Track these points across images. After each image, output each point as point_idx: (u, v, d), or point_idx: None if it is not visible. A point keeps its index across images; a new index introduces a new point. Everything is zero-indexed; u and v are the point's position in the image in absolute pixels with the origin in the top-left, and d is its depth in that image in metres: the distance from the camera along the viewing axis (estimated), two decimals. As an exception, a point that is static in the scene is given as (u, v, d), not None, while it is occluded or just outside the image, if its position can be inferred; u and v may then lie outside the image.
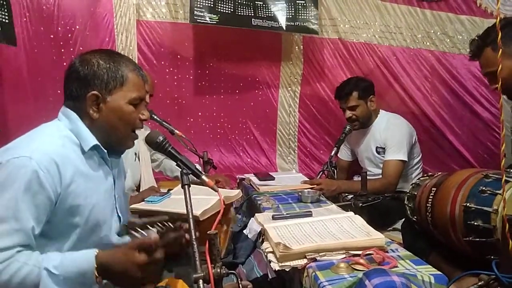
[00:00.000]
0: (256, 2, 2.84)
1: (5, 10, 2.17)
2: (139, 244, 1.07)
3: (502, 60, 1.64)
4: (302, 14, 2.91)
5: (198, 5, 2.71)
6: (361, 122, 2.63)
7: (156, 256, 1.07)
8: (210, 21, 2.74)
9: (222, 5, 2.76)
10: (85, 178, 1.18)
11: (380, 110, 2.71)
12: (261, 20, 2.84)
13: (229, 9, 2.78)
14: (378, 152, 2.64)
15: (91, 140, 1.21)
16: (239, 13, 2.81)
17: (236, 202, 2.25)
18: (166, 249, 1.13)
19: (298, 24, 2.91)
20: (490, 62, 1.74)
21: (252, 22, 2.83)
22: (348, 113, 2.61)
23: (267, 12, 2.86)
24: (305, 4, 2.92)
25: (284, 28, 2.90)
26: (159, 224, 1.20)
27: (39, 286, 1.01)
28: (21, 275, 1.01)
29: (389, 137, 2.56)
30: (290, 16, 2.90)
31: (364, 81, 2.69)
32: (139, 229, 1.14)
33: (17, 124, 2.52)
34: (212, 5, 2.73)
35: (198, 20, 2.72)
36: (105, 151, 1.25)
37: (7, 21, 2.17)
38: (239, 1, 2.80)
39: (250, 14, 2.82)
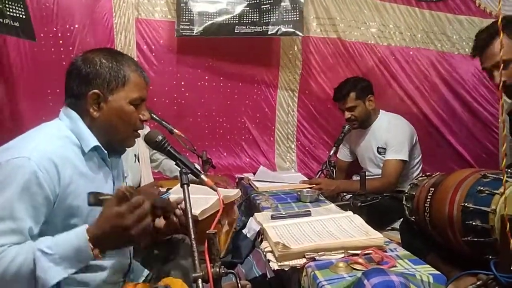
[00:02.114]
0: (243, 9, 2.83)
1: (21, 6, 2.17)
2: (115, 198, 1.04)
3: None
4: (287, 17, 2.87)
5: (184, 19, 2.76)
6: (360, 122, 2.64)
7: (135, 200, 1.03)
8: (195, 33, 2.78)
9: (206, 17, 2.78)
10: (85, 179, 1.18)
11: (380, 110, 2.71)
12: (245, 27, 2.84)
13: (213, 19, 2.80)
14: (379, 152, 2.64)
15: (92, 141, 1.21)
16: (223, 22, 2.81)
17: (235, 201, 2.26)
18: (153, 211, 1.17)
19: (281, 27, 2.87)
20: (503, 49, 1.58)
21: (235, 29, 2.83)
22: (347, 114, 2.62)
23: (252, 18, 2.85)
24: (289, 7, 2.87)
25: (268, 32, 2.87)
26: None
27: (36, 270, 0.99)
28: (16, 265, 0.99)
29: (391, 137, 2.56)
30: (274, 20, 2.86)
31: (361, 81, 2.69)
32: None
33: (16, 123, 2.52)
34: (196, 17, 2.77)
35: (183, 34, 2.78)
36: (106, 152, 1.25)
37: (24, 16, 2.18)
38: (224, 10, 2.80)
39: (234, 22, 2.82)
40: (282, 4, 2.85)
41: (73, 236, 1.04)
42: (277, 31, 2.87)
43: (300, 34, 2.91)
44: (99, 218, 1.05)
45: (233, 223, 1.98)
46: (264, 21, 2.85)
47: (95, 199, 1.02)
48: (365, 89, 2.63)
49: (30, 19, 2.26)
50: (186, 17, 2.77)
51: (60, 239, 1.04)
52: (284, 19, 2.86)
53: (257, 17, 2.85)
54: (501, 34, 1.04)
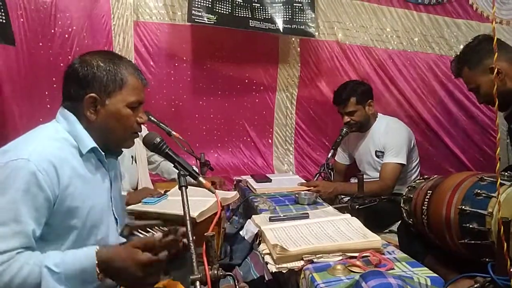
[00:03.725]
0: (253, 4, 2.84)
1: (1, 10, 2.16)
2: (144, 243, 1.07)
3: (479, 77, 1.81)
4: (299, 17, 2.91)
5: (196, 5, 2.71)
6: (359, 126, 2.63)
7: (159, 256, 1.07)
8: (208, 21, 2.73)
9: (220, 6, 2.76)
10: (83, 180, 1.18)
11: (378, 113, 2.71)
12: (259, 22, 2.84)
13: (227, 10, 2.78)
14: (377, 156, 2.63)
15: (89, 142, 1.20)
16: (237, 14, 2.80)
17: (233, 203, 2.26)
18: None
19: (295, 27, 2.91)
20: (469, 80, 1.89)
21: (250, 23, 2.83)
22: (346, 118, 2.61)
23: (264, 14, 2.86)
24: (302, 7, 2.93)
25: (281, 30, 2.90)
26: (157, 227, 1.21)
27: (41, 285, 1.00)
28: (22, 275, 1.00)
29: (389, 140, 2.56)
30: (287, 19, 2.90)
31: (362, 85, 2.68)
32: (141, 231, 1.14)
33: (14, 125, 2.51)
34: (210, 6, 2.73)
35: (196, 20, 2.72)
36: (103, 153, 1.25)
37: (4, 20, 2.16)
38: (237, 2, 2.80)
39: (247, 16, 2.82)
40: (295, 4, 2.89)
41: (82, 256, 1.05)
42: (291, 30, 2.90)
43: (313, 34, 2.94)
44: (118, 248, 1.08)
45: (221, 222, 1.97)
46: (278, 18, 2.88)
47: (129, 232, 1.06)
48: (365, 94, 2.62)
49: (10, 23, 2.24)
50: (199, 4, 2.71)
51: (69, 257, 1.05)
52: (298, 20, 2.90)
53: (271, 14, 2.87)
54: (495, 39, 1.05)
